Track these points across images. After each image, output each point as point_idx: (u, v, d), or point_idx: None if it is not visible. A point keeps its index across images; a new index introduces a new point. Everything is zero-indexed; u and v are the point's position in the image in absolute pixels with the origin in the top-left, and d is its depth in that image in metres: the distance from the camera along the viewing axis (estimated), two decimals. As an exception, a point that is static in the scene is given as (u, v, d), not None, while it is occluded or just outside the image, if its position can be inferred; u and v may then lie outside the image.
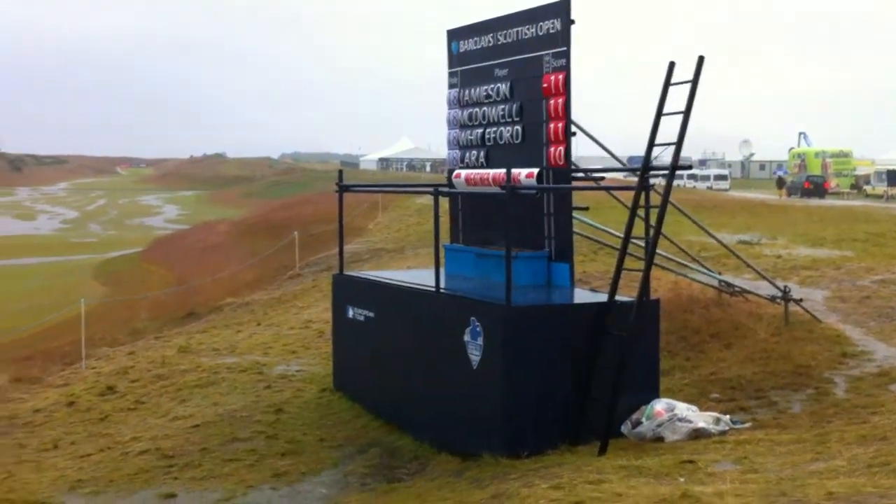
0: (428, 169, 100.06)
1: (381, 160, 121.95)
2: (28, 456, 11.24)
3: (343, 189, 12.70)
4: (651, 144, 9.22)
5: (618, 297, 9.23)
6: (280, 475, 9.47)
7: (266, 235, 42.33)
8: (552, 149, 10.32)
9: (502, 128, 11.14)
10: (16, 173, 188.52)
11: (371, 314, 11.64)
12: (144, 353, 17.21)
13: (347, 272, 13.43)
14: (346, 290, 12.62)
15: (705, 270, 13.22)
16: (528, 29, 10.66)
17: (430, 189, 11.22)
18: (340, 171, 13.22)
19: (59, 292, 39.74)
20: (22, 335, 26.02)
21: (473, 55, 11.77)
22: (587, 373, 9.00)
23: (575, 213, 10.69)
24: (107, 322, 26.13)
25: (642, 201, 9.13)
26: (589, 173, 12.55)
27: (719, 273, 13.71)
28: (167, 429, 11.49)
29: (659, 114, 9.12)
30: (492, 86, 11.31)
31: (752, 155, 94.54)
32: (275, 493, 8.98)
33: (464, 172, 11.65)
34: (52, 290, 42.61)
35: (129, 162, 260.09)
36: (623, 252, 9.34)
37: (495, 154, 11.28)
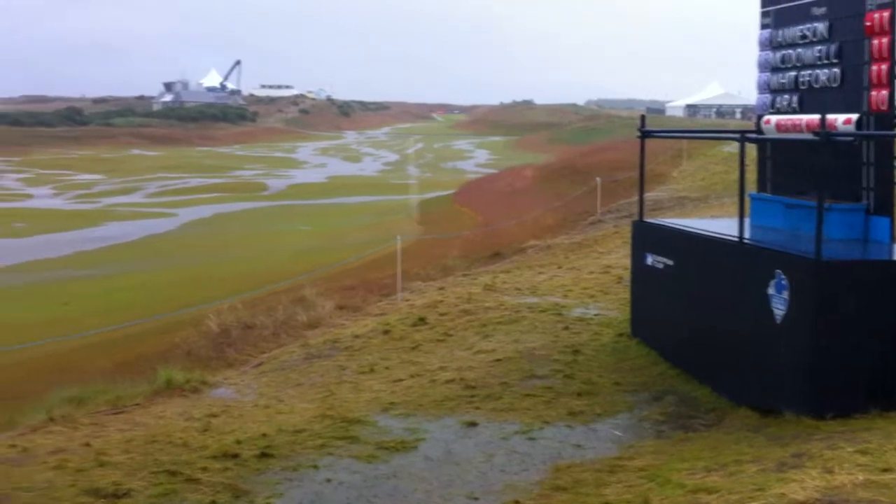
0: (738, 115, 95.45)
1: (689, 107, 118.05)
2: (347, 377, 12.27)
3: (645, 135, 12.57)
4: None
5: (946, 256, 8.47)
6: (575, 414, 9.71)
7: (569, 181, 42.77)
8: (874, 93, 9.58)
9: (818, 70, 10.48)
10: (344, 118, 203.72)
11: (671, 262, 11.53)
12: (453, 289, 18.17)
13: (647, 219, 13.34)
14: (646, 237, 12.57)
15: None
16: (851, -36, 9.89)
17: (736, 136, 10.85)
18: (643, 117, 13.06)
19: (380, 229, 42.79)
20: (347, 267, 28.45)
21: (790, -7, 11.12)
22: (906, 335, 8.39)
23: (899, 163, 9.89)
24: (421, 258, 27.86)
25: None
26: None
27: None
28: (471, 361, 12.13)
29: None
30: (808, 26, 10.64)
31: None
32: (570, 431, 9.24)
33: (774, 118, 11.12)
34: (374, 226, 45.96)
35: (444, 108, 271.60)
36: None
37: (809, 98, 10.65)
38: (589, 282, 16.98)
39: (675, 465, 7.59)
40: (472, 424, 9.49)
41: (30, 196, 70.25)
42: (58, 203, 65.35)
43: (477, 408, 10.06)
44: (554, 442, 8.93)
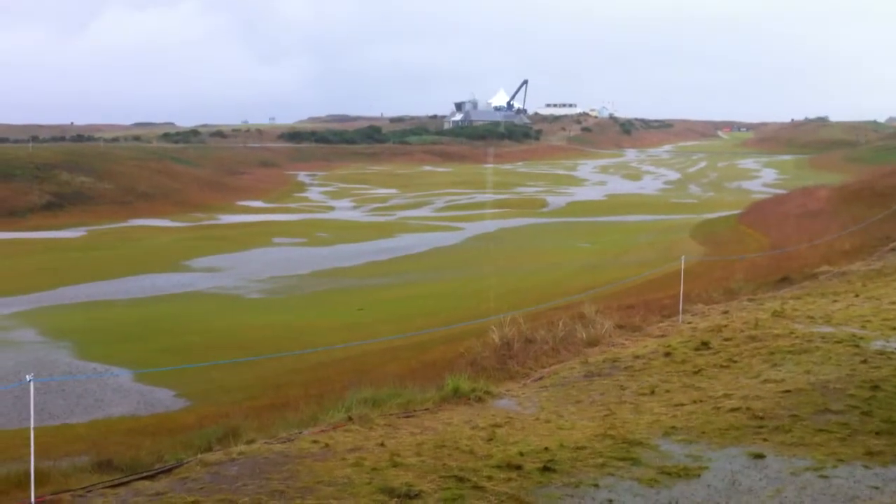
0: None
1: None
2: (627, 398, 12.16)
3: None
4: None
5: None
6: (873, 454, 9.08)
7: (868, 203, 39.90)
8: None
9: None
10: (625, 136, 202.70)
11: None
12: (738, 314, 17.55)
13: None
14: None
15: None
16: None
17: None
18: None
19: (660, 248, 42.17)
20: (627, 285, 28.28)
21: None
22: None
23: None
24: (703, 280, 27.15)
25: None
26: None
27: None
28: (758, 390, 11.67)
29: None
30: None
31: None
32: (867, 472, 8.66)
33: None
34: (654, 246, 45.34)
35: (730, 126, 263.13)
36: None
37: None
38: (890, 312, 15.79)
39: None
40: (759, 456, 9.15)
41: (332, 208, 76.08)
42: (356, 215, 70.27)
43: (764, 439, 9.68)
44: (849, 482, 8.42)
